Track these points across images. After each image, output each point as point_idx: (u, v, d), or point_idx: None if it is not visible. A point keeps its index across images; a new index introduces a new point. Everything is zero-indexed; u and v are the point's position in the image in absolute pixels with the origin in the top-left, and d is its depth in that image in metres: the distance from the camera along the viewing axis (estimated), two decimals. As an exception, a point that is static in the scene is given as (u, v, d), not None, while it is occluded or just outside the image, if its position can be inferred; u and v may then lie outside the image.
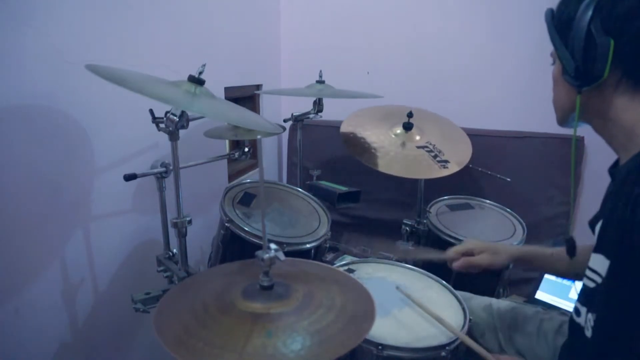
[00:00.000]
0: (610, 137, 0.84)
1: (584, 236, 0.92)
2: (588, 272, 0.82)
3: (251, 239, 1.29)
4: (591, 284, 0.81)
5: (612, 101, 0.79)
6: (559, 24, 0.82)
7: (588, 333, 0.81)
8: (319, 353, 0.69)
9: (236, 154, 1.47)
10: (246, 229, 1.31)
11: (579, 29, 0.77)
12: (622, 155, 0.82)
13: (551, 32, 0.83)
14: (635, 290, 0.72)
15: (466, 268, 1.18)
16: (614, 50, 0.74)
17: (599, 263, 0.78)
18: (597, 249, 0.80)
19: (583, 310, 0.85)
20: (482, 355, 0.96)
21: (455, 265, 1.19)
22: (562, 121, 0.91)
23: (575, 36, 0.78)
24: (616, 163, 0.86)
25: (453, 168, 1.65)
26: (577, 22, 0.77)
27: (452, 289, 1.21)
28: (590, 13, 0.75)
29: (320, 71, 1.74)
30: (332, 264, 1.39)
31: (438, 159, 1.68)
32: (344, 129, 1.80)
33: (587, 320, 0.82)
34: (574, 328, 0.88)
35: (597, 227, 0.82)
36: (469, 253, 1.20)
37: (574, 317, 0.89)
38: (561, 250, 1.01)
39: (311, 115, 1.81)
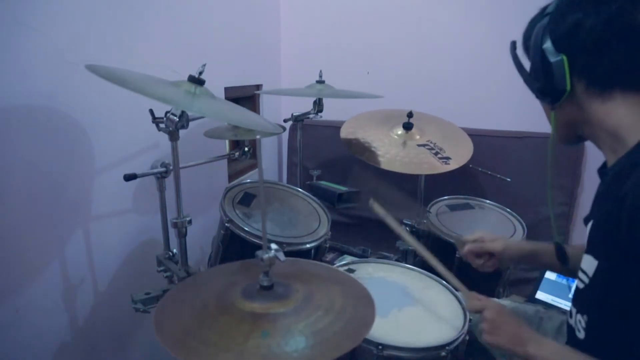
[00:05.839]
0: (598, 141, 0.86)
1: (584, 236, 0.91)
2: (579, 274, 0.83)
3: (251, 239, 1.29)
4: (581, 285, 0.82)
5: (588, 109, 0.81)
6: (525, 50, 0.87)
7: (580, 335, 0.82)
8: (313, 355, 0.68)
9: (236, 154, 1.47)
10: (246, 229, 1.31)
11: (535, 52, 0.81)
12: (610, 157, 0.83)
13: (514, 61, 0.88)
14: (621, 290, 0.73)
15: (477, 252, 1.14)
16: (570, 64, 0.78)
17: (588, 264, 0.79)
18: (587, 250, 0.81)
19: (574, 311, 0.85)
20: (454, 285, 1.02)
21: (467, 248, 1.14)
22: (563, 140, 0.96)
23: (534, 59, 0.82)
24: (605, 164, 0.87)
25: (455, 164, 1.65)
26: (533, 45, 0.82)
27: (452, 289, 1.21)
28: (541, 35, 0.80)
29: (320, 71, 1.74)
30: (332, 264, 1.39)
31: (439, 155, 1.68)
32: (343, 133, 1.80)
33: (577, 321, 0.83)
34: (568, 330, 0.89)
35: (588, 228, 0.82)
36: (480, 242, 1.15)
37: (568, 319, 0.89)
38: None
39: (311, 115, 1.81)
